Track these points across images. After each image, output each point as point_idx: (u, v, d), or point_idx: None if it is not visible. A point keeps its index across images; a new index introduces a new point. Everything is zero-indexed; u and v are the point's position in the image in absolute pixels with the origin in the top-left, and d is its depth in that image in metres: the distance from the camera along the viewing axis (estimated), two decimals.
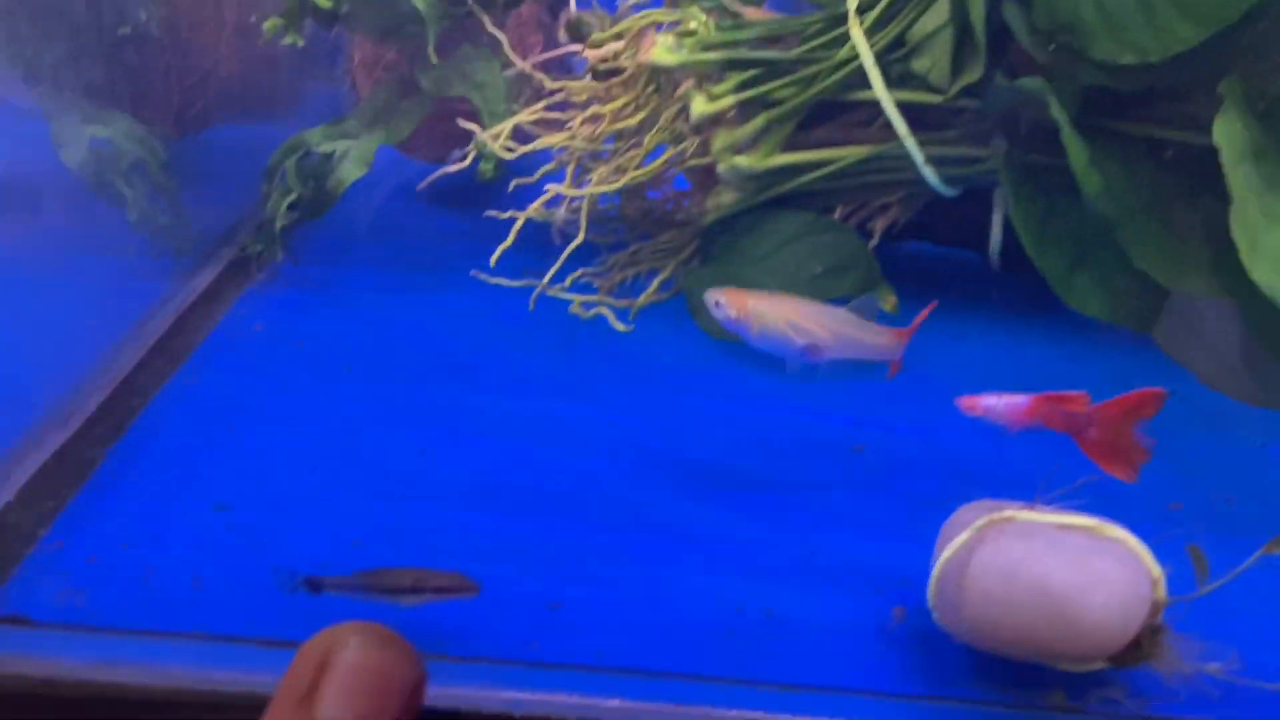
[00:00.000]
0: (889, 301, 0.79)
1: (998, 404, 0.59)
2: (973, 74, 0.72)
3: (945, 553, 0.49)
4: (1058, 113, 0.66)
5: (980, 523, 0.48)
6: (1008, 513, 0.49)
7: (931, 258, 0.91)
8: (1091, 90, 0.68)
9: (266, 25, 0.74)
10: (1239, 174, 0.58)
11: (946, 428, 0.69)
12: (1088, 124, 0.69)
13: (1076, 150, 0.66)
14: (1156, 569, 0.47)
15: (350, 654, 0.42)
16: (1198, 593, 0.47)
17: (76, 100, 0.73)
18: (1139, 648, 0.47)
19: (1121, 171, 0.68)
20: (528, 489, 0.61)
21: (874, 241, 0.83)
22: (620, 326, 0.76)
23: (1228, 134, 0.58)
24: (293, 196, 0.78)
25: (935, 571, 0.49)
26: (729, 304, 0.62)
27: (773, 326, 0.61)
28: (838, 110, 0.80)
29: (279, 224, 0.78)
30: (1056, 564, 0.46)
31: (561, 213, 0.82)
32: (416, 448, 0.63)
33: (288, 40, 0.75)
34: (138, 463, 0.59)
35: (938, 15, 0.75)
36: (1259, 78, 0.64)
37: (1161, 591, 0.47)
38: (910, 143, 0.76)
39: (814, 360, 0.61)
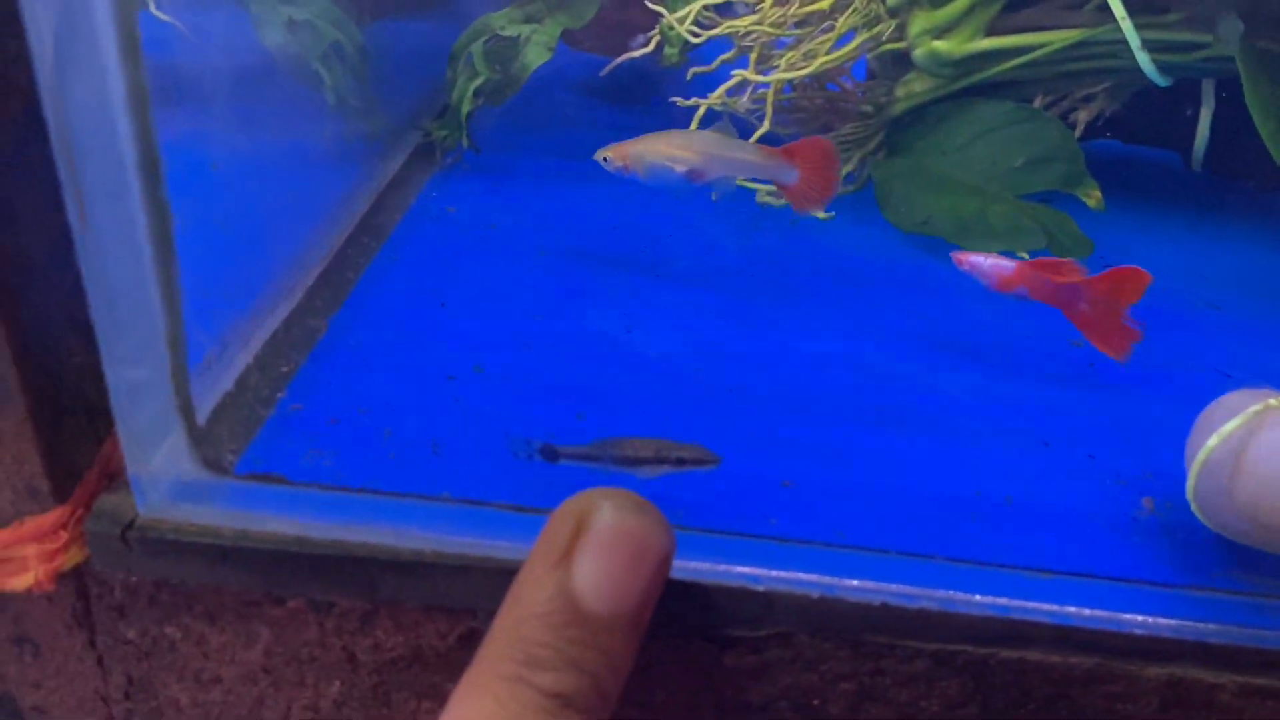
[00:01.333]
0: (1093, 197, 0.76)
1: (984, 263, 0.58)
2: None
3: (1212, 440, 0.47)
4: None
5: (1256, 408, 0.46)
6: (1271, 400, 0.46)
7: (1125, 156, 0.87)
8: None
9: None
10: None
11: (1161, 324, 0.66)
12: None
13: None
14: None
15: (606, 517, 0.42)
16: None
17: None
18: None
19: None
20: (741, 373, 0.60)
21: (1077, 134, 0.79)
22: (822, 214, 0.74)
23: None
24: (479, 81, 0.77)
25: (1199, 459, 0.47)
26: (613, 157, 0.66)
27: (653, 162, 0.65)
28: None
29: (465, 109, 0.77)
30: None
31: (745, 101, 0.80)
32: (623, 326, 0.63)
33: None
34: (359, 332, 0.60)
35: None
36: None
37: None
38: (1127, 25, 0.72)
39: (698, 183, 0.66)
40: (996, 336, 0.65)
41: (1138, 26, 0.72)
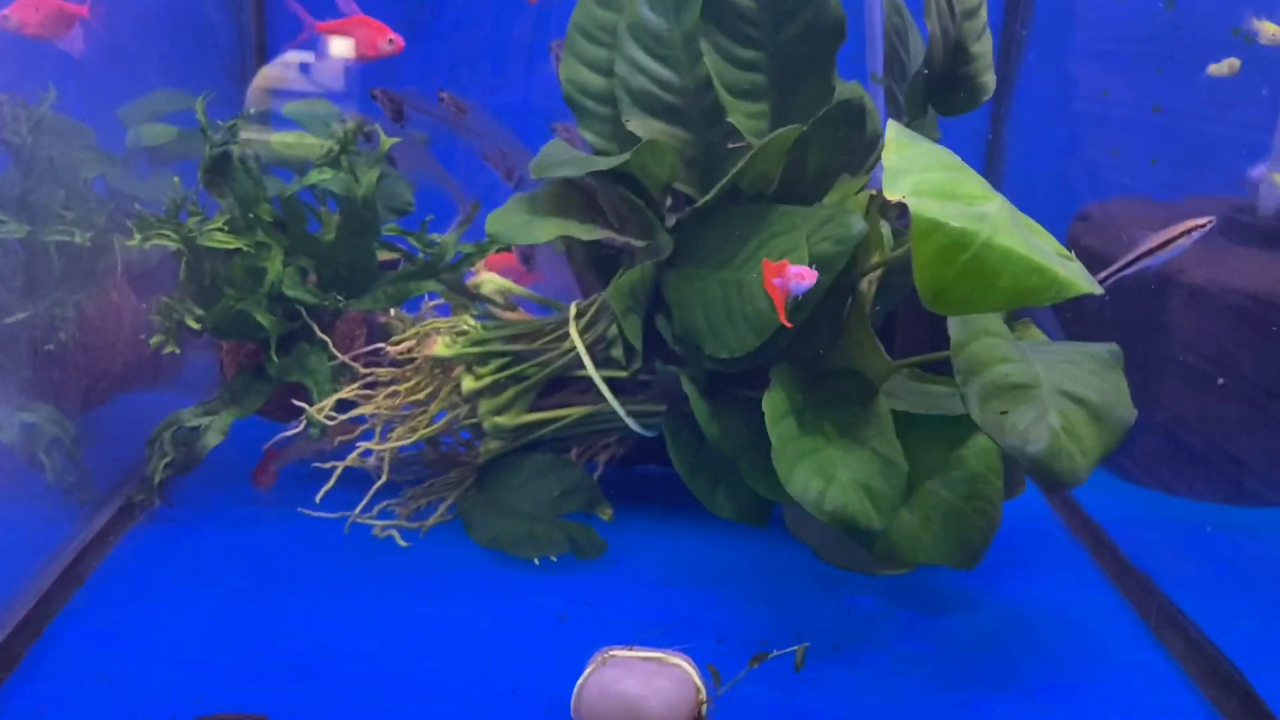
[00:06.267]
0: (606, 514, 1.11)
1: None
2: (637, 364, 1.07)
3: (580, 679, 0.79)
4: (688, 387, 1.02)
5: (596, 657, 0.79)
6: (610, 652, 0.79)
7: (656, 475, 1.24)
8: (712, 371, 1.04)
9: (153, 341, 1.06)
10: (779, 428, 0.92)
11: (634, 600, 1.00)
12: (715, 390, 1.05)
13: (701, 410, 1.01)
14: (700, 682, 0.78)
15: None
16: (715, 695, 0.77)
17: (11, 393, 1.03)
18: None
19: (735, 421, 1.03)
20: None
21: (600, 470, 1.16)
22: (402, 543, 1.06)
23: (771, 404, 0.93)
24: (168, 459, 1.07)
25: (575, 688, 0.79)
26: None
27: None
28: (567, 382, 1.15)
29: (157, 479, 1.07)
30: (631, 682, 0.76)
31: (373, 461, 1.13)
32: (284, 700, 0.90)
33: (168, 350, 1.06)
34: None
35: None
36: (805, 361, 1.00)
37: (703, 696, 0.77)
38: (614, 404, 1.10)
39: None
40: (526, 626, 0.96)
41: (623, 403, 1.11)
